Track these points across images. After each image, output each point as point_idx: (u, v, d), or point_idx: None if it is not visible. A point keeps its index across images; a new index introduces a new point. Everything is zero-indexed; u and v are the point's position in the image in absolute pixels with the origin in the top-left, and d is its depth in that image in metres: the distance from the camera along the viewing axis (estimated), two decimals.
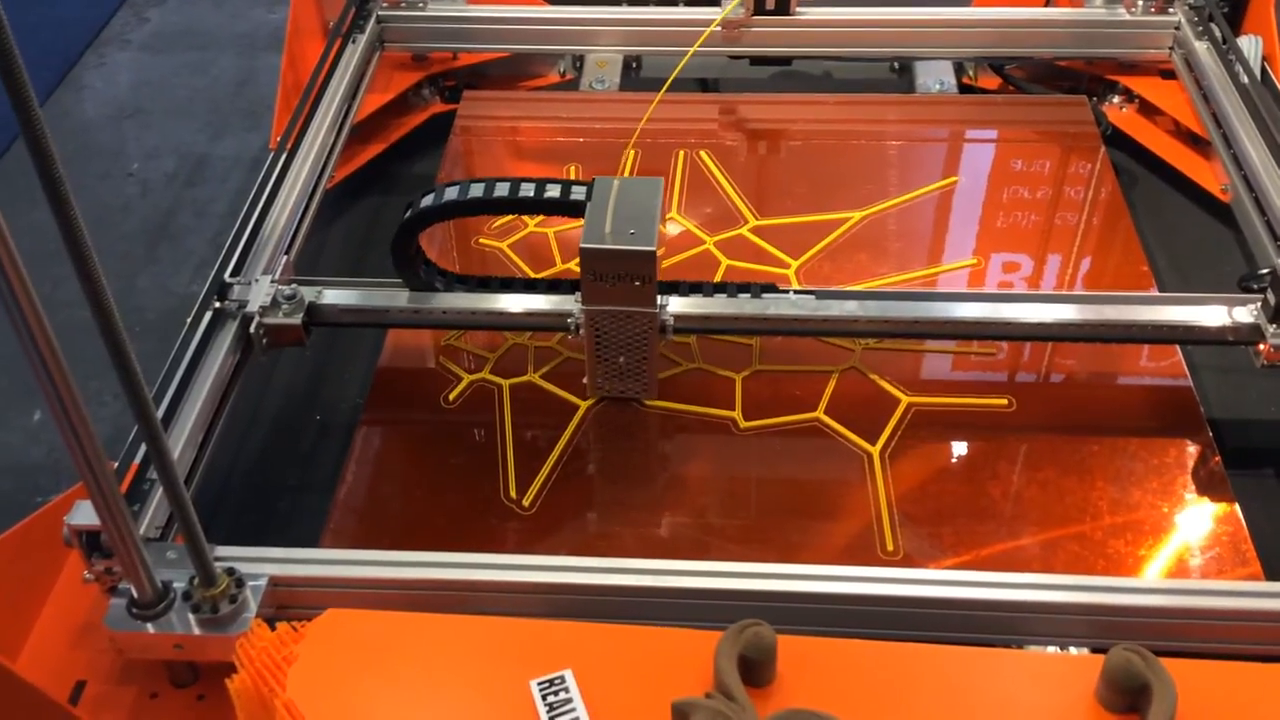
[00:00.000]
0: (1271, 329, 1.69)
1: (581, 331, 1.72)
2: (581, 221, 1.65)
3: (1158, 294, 2.00)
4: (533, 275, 2.07)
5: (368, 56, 2.41)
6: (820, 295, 1.78)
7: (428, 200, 1.70)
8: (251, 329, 1.75)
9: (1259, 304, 1.73)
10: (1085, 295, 1.77)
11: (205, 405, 1.63)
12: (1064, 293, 2.00)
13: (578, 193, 1.68)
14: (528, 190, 1.68)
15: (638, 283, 1.65)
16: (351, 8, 2.44)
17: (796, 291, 1.79)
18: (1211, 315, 1.74)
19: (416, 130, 2.56)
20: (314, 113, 2.19)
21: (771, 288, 1.80)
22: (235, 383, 1.73)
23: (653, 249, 1.62)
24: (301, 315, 1.77)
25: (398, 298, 1.81)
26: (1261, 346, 1.70)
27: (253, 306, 1.76)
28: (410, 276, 1.80)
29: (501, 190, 1.68)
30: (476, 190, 1.69)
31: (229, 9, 3.35)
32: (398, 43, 2.52)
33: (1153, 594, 1.39)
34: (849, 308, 1.77)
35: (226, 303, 1.77)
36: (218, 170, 2.71)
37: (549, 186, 1.69)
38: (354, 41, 2.39)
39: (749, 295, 1.78)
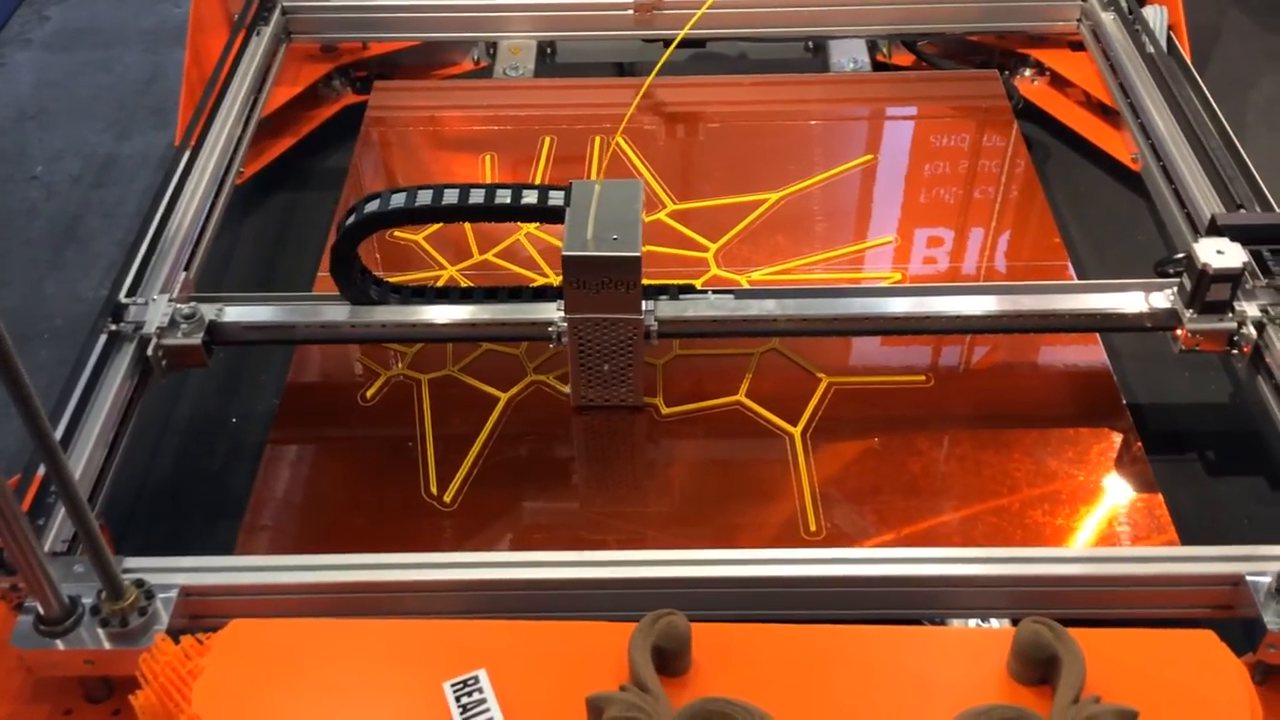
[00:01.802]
0: (1188, 314, 1.69)
1: (564, 341, 1.68)
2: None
3: (1076, 282, 2.00)
4: (450, 267, 2.04)
5: (273, 48, 2.36)
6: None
7: (397, 200, 1.62)
8: (149, 351, 1.68)
9: (1175, 289, 1.72)
10: (1004, 285, 1.76)
11: (106, 424, 1.58)
12: (983, 283, 1.99)
13: (555, 198, 1.63)
14: (504, 196, 1.63)
15: (622, 289, 1.61)
16: None
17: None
18: (1129, 302, 1.74)
19: (329, 122, 2.52)
20: (218, 108, 2.14)
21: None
22: (136, 403, 1.66)
23: (638, 254, 1.58)
24: (202, 335, 1.69)
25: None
26: (1179, 332, 1.70)
27: (150, 328, 1.69)
28: (349, 288, 1.72)
29: (477, 197, 1.62)
30: (451, 196, 1.62)
31: (133, 4, 3.26)
32: (305, 34, 2.47)
33: (1070, 563, 1.40)
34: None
35: (122, 324, 1.70)
36: (125, 170, 2.65)
37: (525, 192, 1.63)
38: (258, 33, 2.34)
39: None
